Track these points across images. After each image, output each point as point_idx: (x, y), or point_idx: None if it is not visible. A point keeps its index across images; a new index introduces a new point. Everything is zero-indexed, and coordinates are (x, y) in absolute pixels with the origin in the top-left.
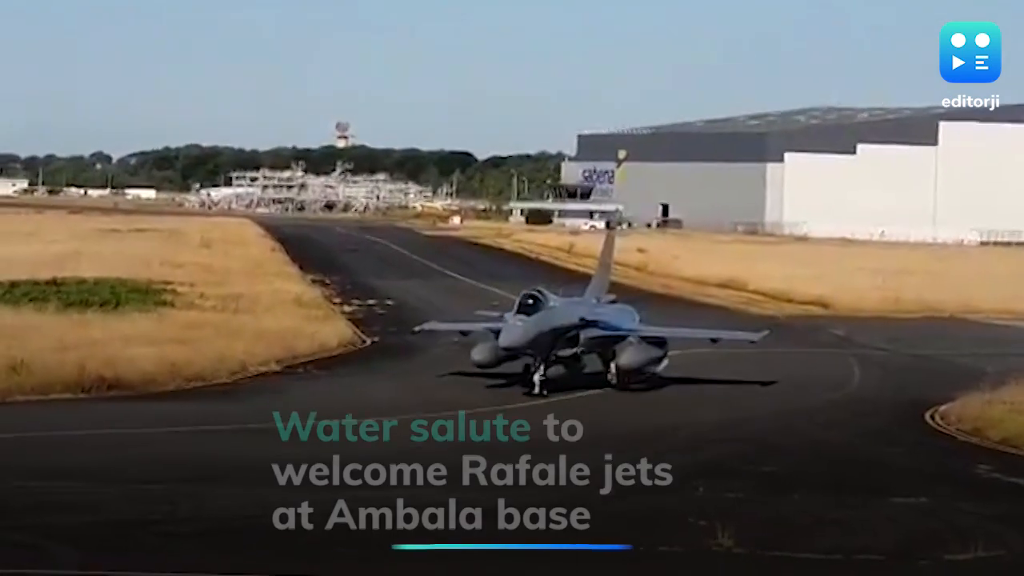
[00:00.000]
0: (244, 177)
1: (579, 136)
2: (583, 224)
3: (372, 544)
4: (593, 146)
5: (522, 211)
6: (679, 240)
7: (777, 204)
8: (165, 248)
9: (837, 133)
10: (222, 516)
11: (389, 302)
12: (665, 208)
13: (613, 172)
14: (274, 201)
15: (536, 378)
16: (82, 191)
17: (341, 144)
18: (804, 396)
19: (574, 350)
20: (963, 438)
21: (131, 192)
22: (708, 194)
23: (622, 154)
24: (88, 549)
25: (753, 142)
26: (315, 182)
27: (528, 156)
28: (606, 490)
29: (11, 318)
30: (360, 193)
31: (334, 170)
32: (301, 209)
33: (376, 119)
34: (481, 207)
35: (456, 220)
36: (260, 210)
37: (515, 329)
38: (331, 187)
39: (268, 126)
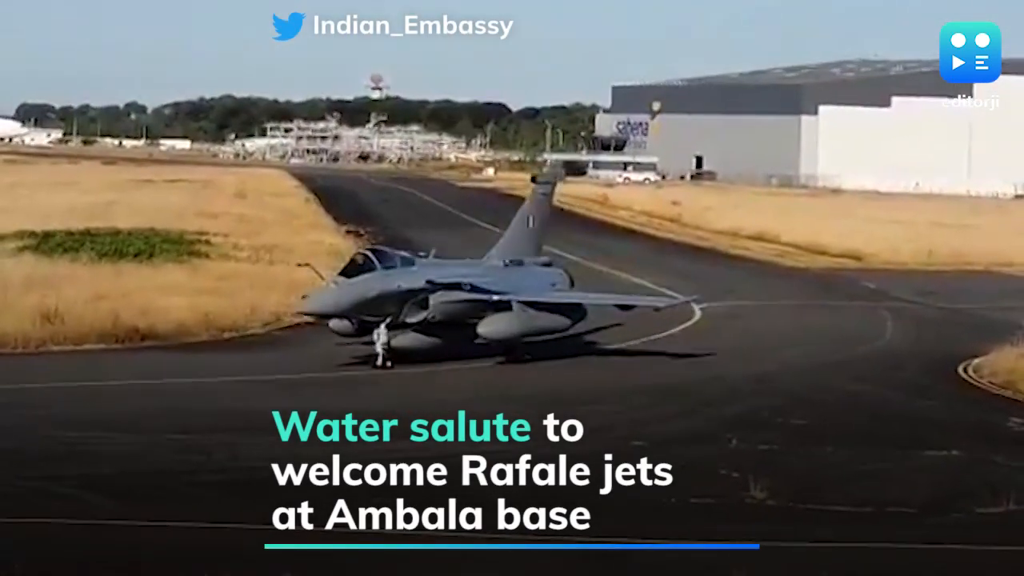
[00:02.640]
0: (278, 128)
1: (613, 88)
2: (617, 176)
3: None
4: (627, 98)
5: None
6: (713, 192)
7: (811, 156)
8: (199, 199)
9: (872, 85)
10: (256, 466)
11: (422, 254)
12: (699, 160)
13: (647, 124)
14: (308, 152)
15: (378, 348)
16: (117, 141)
17: (375, 95)
18: (836, 349)
19: (424, 316)
20: (996, 391)
21: (166, 143)
22: (742, 146)
23: (656, 106)
24: (123, 499)
25: (787, 94)
26: (349, 133)
27: (562, 108)
28: (640, 442)
29: (45, 268)
30: (394, 144)
31: (368, 121)
32: (335, 160)
33: (410, 70)
34: (515, 158)
35: (490, 171)
36: (294, 161)
37: (326, 293)
38: (365, 138)
39: (303, 77)
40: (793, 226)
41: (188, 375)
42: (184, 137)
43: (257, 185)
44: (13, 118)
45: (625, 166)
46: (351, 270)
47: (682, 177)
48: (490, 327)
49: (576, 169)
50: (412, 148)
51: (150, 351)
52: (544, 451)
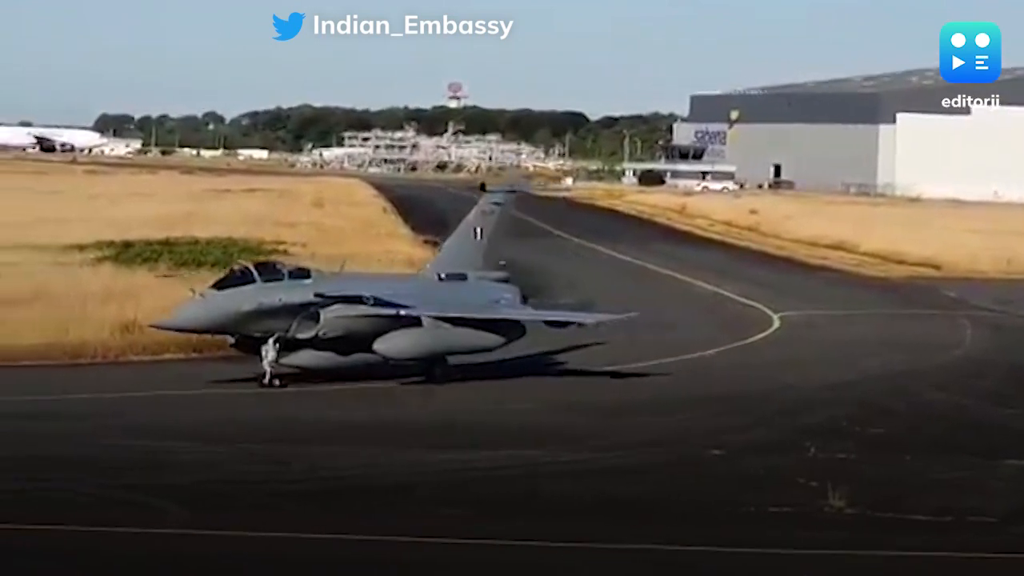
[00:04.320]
0: (356, 137)
1: (691, 97)
2: (695, 185)
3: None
4: (705, 107)
5: (634, 172)
6: (791, 201)
7: (889, 165)
8: (277, 208)
9: (950, 94)
10: (333, 476)
11: (501, 262)
12: (777, 169)
13: (725, 133)
14: (386, 161)
15: (265, 365)
16: (195, 151)
17: (453, 104)
18: (915, 358)
19: (315, 331)
20: None
21: (243, 152)
22: (820, 155)
23: (734, 115)
24: (199, 509)
25: (866, 103)
26: (427, 142)
27: (640, 117)
28: (718, 451)
29: (125, 278)
30: (472, 153)
31: (446, 130)
32: (413, 169)
33: (489, 79)
34: (593, 168)
35: (568, 181)
36: (372, 170)
37: (188, 306)
38: (443, 147)
39: (380, 86)
40: (872, 235)
41: (265, 385)
42: (262, 147)
43: (335, 194)
44: (93, 129)
45: (703, 175)
46: (226, 282)
47: (760, 186)
48: (388, 343)
49: (655, 178)
50: (490, 157)
51: (228, 361)
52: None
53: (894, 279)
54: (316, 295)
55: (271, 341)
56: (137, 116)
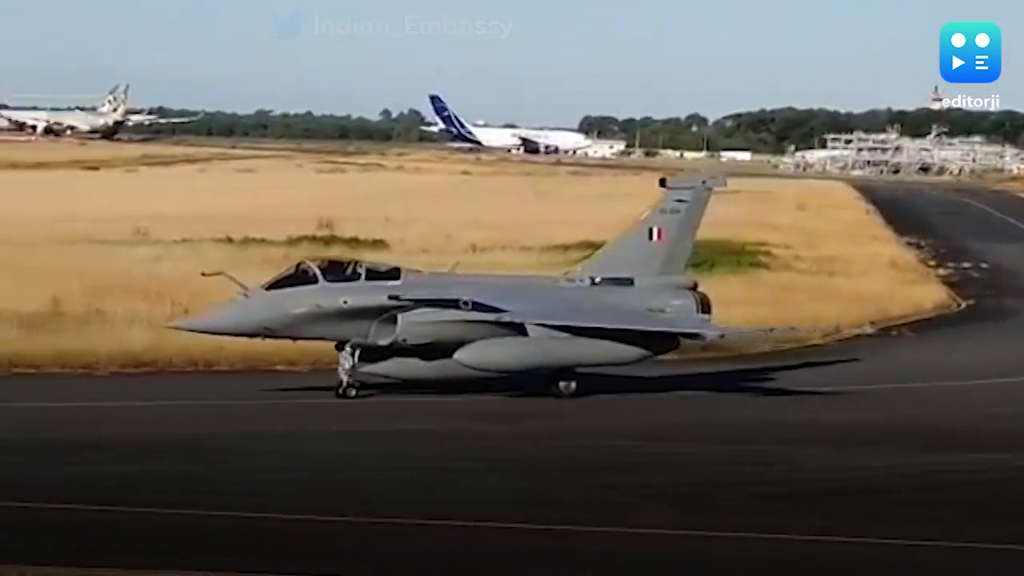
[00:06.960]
0: (839, 139)
1: None
2: None
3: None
4: None
5: None
6: None
7: None
8: (760, 210)
9: None
10: (813, 477)
11: (984, 265)
12: None
13: None
14: (868, 164)
15: (340, 373)
16: (678, 153)
17: (936, 107)
18: None
19: (394, 337)
20: None
21: (726, 154)
22: None
23: None
24: (685, 508)
25: None
26: (910, 145)
27: None
28: None
29: None
30: (955, 156)
31: (929, 133)
32: (896, 172)
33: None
34: None
35: None
36: (854, 173)
37: (227, 307)
38: (926, 150)
39: (863, 89)
40: None
41: (733, 388)
42: (744, 149)
43: (818, 197)
44: (576, 130)
45: None
46: (280, 282)
47: None
48: (470, 353)
49: None
50: (973, 159)
51: (708, 362)
52: None
53: None
54: (390, 298)
55: (348, 347)
56: (621, 118)
